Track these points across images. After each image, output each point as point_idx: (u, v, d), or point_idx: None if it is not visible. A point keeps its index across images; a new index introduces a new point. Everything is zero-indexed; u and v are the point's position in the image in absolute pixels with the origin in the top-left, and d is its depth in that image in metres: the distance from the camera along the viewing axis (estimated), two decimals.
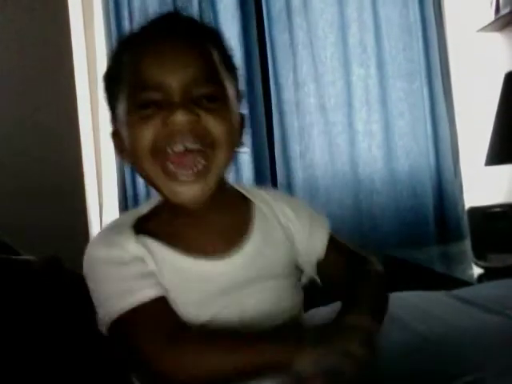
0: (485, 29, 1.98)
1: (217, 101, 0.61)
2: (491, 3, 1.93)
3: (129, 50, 0.64)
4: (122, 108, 0.63)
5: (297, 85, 2.08)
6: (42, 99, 1.85)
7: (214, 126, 0.60)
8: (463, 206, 2.13)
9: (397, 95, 2.14)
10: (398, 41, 2.14)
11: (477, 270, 1.57)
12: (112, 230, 0.66)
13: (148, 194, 1.97)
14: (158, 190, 0.64)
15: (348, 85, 2.12)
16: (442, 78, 2.16)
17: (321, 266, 0.72)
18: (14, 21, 1.85)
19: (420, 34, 2.14)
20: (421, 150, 2.14)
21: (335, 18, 2.11)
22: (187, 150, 0.60)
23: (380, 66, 2.13)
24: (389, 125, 2.14)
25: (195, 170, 0.60)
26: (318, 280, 0.71)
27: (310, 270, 0.71)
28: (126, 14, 1.97)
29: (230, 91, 0.65)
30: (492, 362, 0.89)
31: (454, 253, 1.91)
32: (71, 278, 1.00)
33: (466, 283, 1.45)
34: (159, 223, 0.67)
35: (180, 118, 0.58)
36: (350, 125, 2.12)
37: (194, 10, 2.01)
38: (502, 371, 0.85)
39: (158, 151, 0.60)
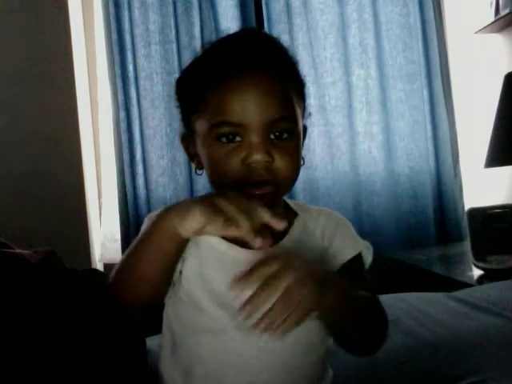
0: (484, 30, 1.98)
1: (289, 134, 0.69)
2: (491, 4, 1.93)
3: (212, 79, 0.68)
4: (200, 127, 0.70)
5: None
6: (42, 101, 1.85)
7: (285, 168, 0.68)
8: (463, 207, 2.13)
9: (397, 96, 2.14)
10: (398, 42, 2.15)
11: (476, 272, 1.57)
12: None
13: (148, 195, 1.97)
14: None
15: (348, 86, 2.12)
16: (442, 79, 2.16)
17: None
18: (13, 21, 1.85)
19: (420, 34, 2.14)
20: (421, 151, 2.14)
21: (335, 18, 2.11)
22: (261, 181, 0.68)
23: (380, 66, 2.13)
24: (389, 126, 2.14)
25: (265, 190, 0.68)
26: None
27: None
28: (126, 14, 1.97)
29: (301, 121, 0.72)
30: (492, 364, 0.89)
31: (453, 254, 1.91)
32: (68, 272, 1.00)
33: (465, 285, 1.45)
34: None
35: (258, 158, 0.66)
36: (350, 126, 2.12)
37: (194, 10, 2.01)
38: (503, 373, 0.85)
39: (236, 183, 0.68)
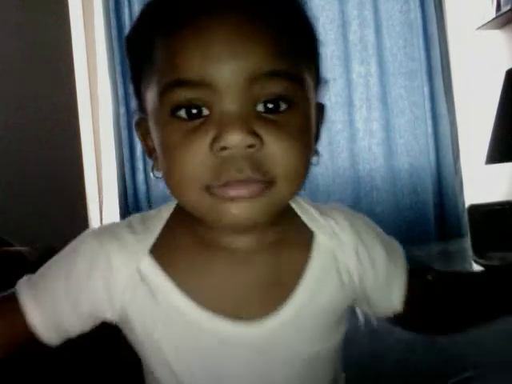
0: (485, 26, 1.98)
1: (289, 104, 0.42)
2: (492, 0, 1.92)
3: (162, 21, 0.43)
4: (150, 97, 0.44)
5: None
6: (42, 97, 1.85)
7: (283, 157, 0.41)
8: (463, 203, 2.13)
9: (397, 93, 2.14)
10: (399, 38, 2.14)
11: (476, 268, 1.57)
12: (134, 231, 0.49)
13: (148, 192, 1.97)
14: (193, 209, 0.45)
15: (348, 82, 2.12)
16: (443, 76, 2.16)
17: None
18: (14, 18, 1.84)
19: (421, 31, 2.14)
20: (421, 147, 2.14)
21: (335, 15, 2.11)
22: (242, 181, 0.41)
23: (380, 63, 2.13)
24: (389, 123, 2.14)
25: (252, 190, 0.42)
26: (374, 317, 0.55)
27: (373, 314, 0.54)
28: (125, 9, 1.97)
29: (310, 85, 0.45)
30: (492, 359, 0.89)
31: (453, 250, 1.91)
32: None
33: None
34: (179, 246, 0.49)
35: (234, 140, 0.39)
36: (351, 123, 2.12)
37: None
38: (502, 368, 0.86)
39: (203, 182, 0.42)
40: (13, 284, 0.87)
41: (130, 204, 1.94)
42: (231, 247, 0.47)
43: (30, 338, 0.48)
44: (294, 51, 0.43)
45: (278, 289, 0.47)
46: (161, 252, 0.48)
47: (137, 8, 1.97)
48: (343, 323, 0.52)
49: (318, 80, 0.48)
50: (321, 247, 0.49)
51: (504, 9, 1.86)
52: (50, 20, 1.88)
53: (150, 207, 1.92)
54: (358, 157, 2.12)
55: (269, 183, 0.42)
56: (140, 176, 1.96)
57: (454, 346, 0.95)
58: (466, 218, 1.69)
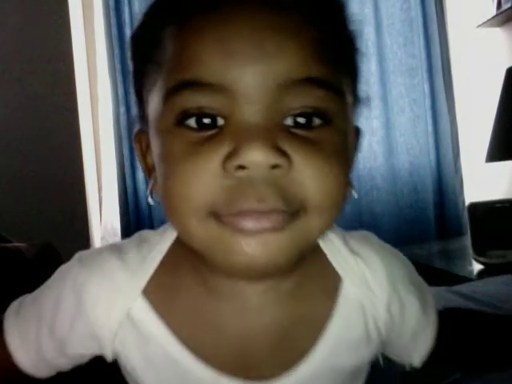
0: (486, 24, 1.97)
1: (325, 120, 0.34)
2: None
3: (172, 13, 0.36)
4: (153, 104, 0.37)
5: None
6: (42, 96, 1.85)
7: (314, 181, 0.33)
8: (463, 202, 2.13)
9: (397, 91, 2.13)
10: (399, 36, 2.14)
11: (477, 266, 1.57)
12: (126, 266, 0.42)
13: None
14: (193, 241, 0.36)
15: None
16: (443, 74, 2.15)
17: None
18: (13, 17, 1.84)
19: (421, 29, 2.14)
20: (421, 146, 2.14)
21: None
22: (261, 211, 0.33)
23: (381, 61, 2.12)
24: (389, 121, 2.13)
25: (275, 221, 0.33)
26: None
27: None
28: (125, 7, 1.96)
29: (349, 101, 0.38)
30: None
31: (454, 249, 1.91)
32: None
33: (466, 279, 1.45)
34: (179, 286, 0.41)
35: (255, 155, 0.31)
36: None
37: None
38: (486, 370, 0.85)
39: (209, 207, 0.34)
40: (10, 280, 0.87)
41: (130, 204, 1.94)
42: (241, 294, 0.40)
43: (19, 371, 0.44)
44: (336, 57, 0.35)
45: (294, 344, 0.41)
46: (156, 292, 0.41)
47: (137, 6, 1.97)
48: (364, 374, 0.47)
49: (356, 98, 0.40)
50: (348, 296, 0.42)
51: (504, 6, 1.85)
52: (50, 20, 1.88)
53: (149, 207, 1.92)
54: (359, 155, 2.11)
55: (295, 212, 0.33)
56: (140, 174, 1.96)
57: None
58: (466, 217, 1.69)
